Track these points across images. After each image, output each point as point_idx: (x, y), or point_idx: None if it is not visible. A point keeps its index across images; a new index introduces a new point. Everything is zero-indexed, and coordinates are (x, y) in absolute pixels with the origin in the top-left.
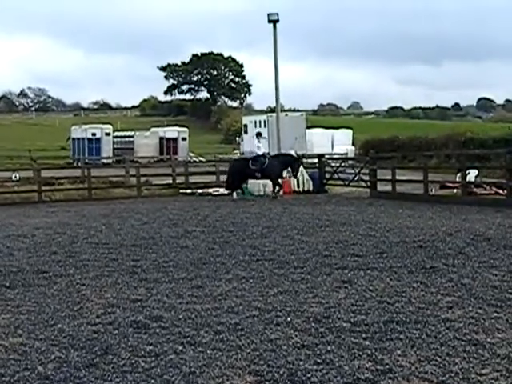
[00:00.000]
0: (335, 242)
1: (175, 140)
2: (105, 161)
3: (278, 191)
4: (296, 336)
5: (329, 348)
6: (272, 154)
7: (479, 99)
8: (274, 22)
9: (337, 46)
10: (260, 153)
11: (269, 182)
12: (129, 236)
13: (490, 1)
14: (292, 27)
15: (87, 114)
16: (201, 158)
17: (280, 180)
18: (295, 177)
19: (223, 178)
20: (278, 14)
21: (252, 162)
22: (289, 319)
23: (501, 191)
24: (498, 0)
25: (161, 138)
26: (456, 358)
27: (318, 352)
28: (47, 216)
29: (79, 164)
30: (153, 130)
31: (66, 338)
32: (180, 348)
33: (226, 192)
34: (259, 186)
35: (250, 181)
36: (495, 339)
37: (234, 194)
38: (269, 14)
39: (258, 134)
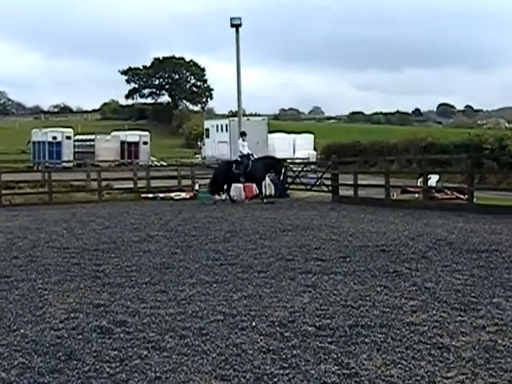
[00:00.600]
0: (298, 246)
1: (136, 144)
2: (65, 164)
3: (264, 196)
4: (261, 340)
5: (294, 352)
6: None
7: (439, 105)
8: (237, 27)
9: (297, 51)
10: (245, 152)
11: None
12: (91, 240)
13: (449, 7)
14: (252, 31)
15: (48, 117)
16: (162, 163)
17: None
18: (279, 179)
19: (185, 182)
20: (240, 19)
21: (236, 165)
22: (254, 324)
23: (462, 196)
24: (458, 6)
25: (122, 142)
26: (421, 361)
27: (284, 356)
28: (7, 220)
29: (40, 168)
30: (114, 133)
31: (29, 343)
32: (145, 353)
33: (188, 196)
34: None
35: None
36: (460, 342)
37: (216, 196)
38: (231, 19)
39: (243, 134)
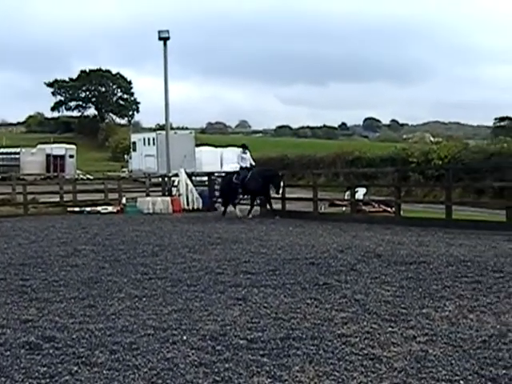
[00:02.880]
0: (227, 259)
1: (62, 157)
2: None
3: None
4: (193, 354)
5: (227, 366)
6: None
7: (365, 119)
8: (165, 40)
9: (224, 65)
10: (243, 165)
11: (158, 200)
12: (16, 255)
13: (372, 22)
14: (179, 45)
15: None
16: (89, 176)
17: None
18: (277, 193)
19: (112, 195)
20: (168, 32)
21: (236, 176)
22: (185, 337)
23: (389, 209)
24: (382, 22)
25: (48, 155)
26: (354, 372)
27: (216, 370)
28: None
29: None
30: (39, 146)
31: None
32: (75, 369)
33: (115, 210)
34: (148, 203)
35: (139, 199)
36: (391, 353)
37: (223, 208)
38: (159, 32)
39: (243, 146)
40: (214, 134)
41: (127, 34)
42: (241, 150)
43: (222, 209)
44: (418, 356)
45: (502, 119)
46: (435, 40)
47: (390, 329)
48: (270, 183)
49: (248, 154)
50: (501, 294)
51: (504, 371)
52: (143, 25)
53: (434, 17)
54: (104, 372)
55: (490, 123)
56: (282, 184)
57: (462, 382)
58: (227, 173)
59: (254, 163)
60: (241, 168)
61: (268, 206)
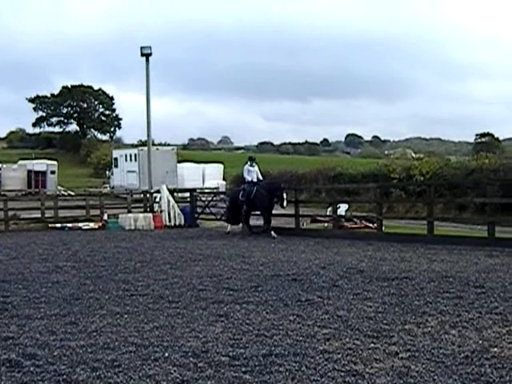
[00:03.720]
0: (209, 276)
1: (44, 173)
2: None
3: (268, 228)
4: (175, 371)
5: (209, 383)
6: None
7: (347, 135)
8: (147, 56)
9: (205, 81)
10: (249, 179)
11: (140, 216)
12: None
13: (355, 38)
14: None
15: None
16: (70, 192)
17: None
18: (282, 206)
19: (93, 212)
20: (150, 48)
21: (242, 192)
22: (166, 354)
23: (371, 225)
24: (364, 38)
25: (29, 171)
26: None
27: None
28: None
29: None
30: (20, 162)
31: None
32: None
33: (97, 226)
34: (130, 220)
35: (121, 215)
36: (373, 369)
37: (228, 227)
38: (142, 48)
39: (250, 159)
40: (196, 150)
41: (109, 49)
42: (248, 162)
43: (228, 227)
44: (400, 372)
45: (482, 135)
46: (417, 56)
47: (372, 345)
48: (275, 197)
49: (256, 167)
50: (482, 309)
51: None
52: (125, 41)
53: (417, 33)
54: None
55: (471, 139)
56: (285, 196)
57: None
58: (236, 190)
59: (261, 177)
60: (247, 182)
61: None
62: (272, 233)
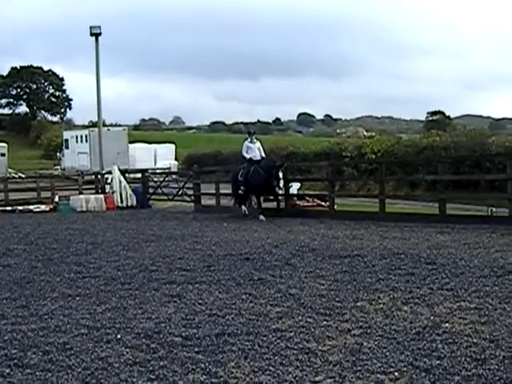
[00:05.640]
0: (161, 256)
1: None
2: None
3: (260, 212)
4: (127, 353)
5: (161, 363)
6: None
7: (299, 114)
8: (97, 36)
9: (156, 61)
10: (247, 156)
11: (91, 197)
12: None
13: (305, 17)
14: (110, 41)
15: None
16: (20, 174)
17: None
18: (277, 186)
19: (44, 194)
20: (100, 28)
21: (241, 172)
22: (119, 336)
23: (323, 203)
24: (313, 16)
25: None
26: (289, 366)
27: (151, 368)
28: None
29: None
30: None
31: None
32: (7, 371)
33: (48, 208)
34: (81, 201)
35: (72, 197)
36: (326, 347)
37: (243, 207)
38: (91, 27)
39: (250, 133)
40: (147, 131)
41: (58, 30)
42: (248, 138)
43: (243, 208)
44: (352, 349)
45: (434, 113)
46: (367, 35)
47: (324, 322)
48: (272, 176)
49: (257, 143)
50: (434, 285)
51: (438, 362)
52: (75, 21)
53: (365, 12)
54: (37, 373)
55: (423, 117)
56: (281, 175)
57: (396, 373)
58: (237, 168)
59: (264, 154)
60: (247, 161)
61: (254, 202)
62: (260, 216)
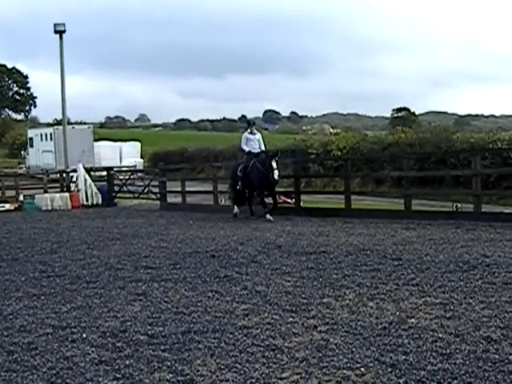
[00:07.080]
0: (127, 254)
1: None
2: None
3: (268, 211)
4: (93, 352)
5: (127, 362)
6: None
7: (265, 111)
8: (61, 33)
9: (121, 59)
10: (246, 149)
11: (56, 196)
12: None
13: (268, 15)
14: (74, 39)
15: None
16: None
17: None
18: (273, 179)
19: (9, 193)
20: (64, 25)
21: (241, 167)
22: (84, 335)
23: (289, 200)
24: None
25: None
26: (256, 363)
27: (117, 367)
28: None
29: None
30: None
31: None
32: None
33: (12, 207)
34: (46, 200)
35: (37, 196)
36: (292, 343)
37: (235, 208)
38: (55, 25)
39: (249, 123)
40: (113, 129)
41: (20, 27)
42: (247, 129)
43: (234, 208)
44: (319, 345)
45: (399, 110)
46: (332, 32)
47: (291, 319)
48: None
49: (258, 134)
50: (400, 281)
51: (404, 357)
52: (37, 18)
53: (330, 9)
54: (1, 374)
55: (388, 114)
56: (274, 165)
57: (362, 369)
58: (236, 164)
59: (263, 147)
60: (246, 154)
61: (257, 202)
62: (267, 216)
